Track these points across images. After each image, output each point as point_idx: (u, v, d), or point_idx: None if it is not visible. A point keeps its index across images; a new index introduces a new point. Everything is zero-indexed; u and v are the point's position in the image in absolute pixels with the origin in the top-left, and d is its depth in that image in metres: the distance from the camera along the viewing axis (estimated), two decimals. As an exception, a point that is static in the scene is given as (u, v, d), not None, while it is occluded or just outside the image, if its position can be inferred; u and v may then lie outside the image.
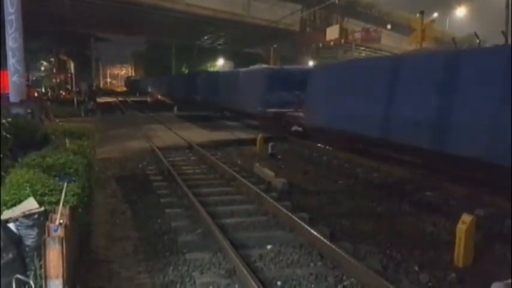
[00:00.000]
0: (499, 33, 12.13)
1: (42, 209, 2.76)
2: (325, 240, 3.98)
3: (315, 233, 4.15)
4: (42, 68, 35.63)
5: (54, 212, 2.65)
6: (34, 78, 31.80)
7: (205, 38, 37.74)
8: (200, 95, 23.10)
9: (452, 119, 6.21)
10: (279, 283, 3.37)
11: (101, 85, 64.14)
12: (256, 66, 18.95)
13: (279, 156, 9.27)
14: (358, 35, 29.95)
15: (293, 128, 12.39)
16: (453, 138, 6.16)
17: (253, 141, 10.09)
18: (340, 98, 9.41)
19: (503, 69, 5.46)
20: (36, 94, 24.31)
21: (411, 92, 7.25)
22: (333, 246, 3.82)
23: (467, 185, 6.23)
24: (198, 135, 12.12)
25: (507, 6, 12.66)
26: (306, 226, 4.36)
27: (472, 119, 5.89)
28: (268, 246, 4.07)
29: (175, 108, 22.08)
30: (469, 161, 6.05)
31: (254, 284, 3.12)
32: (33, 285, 2.42)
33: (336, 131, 9.51)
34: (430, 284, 3.42)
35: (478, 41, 7.34)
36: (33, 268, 2.52)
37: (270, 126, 12.77)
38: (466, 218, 3.75)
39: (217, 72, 27.60)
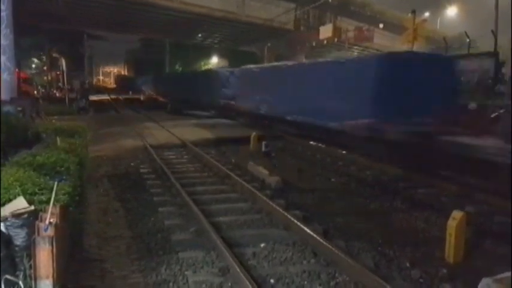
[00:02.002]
0: (491, 32, 12.29)
1: (32, 208, 2.72)
2: (318, 238, 4.00)
3: (309, 231, 4.16)
4: (33, 66, 35.08)
5: (45, 211, 2.61)
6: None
7: (199, 36, 37.54)
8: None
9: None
10: (272, 281, 3.38)
11: (94, 82, 63.73)
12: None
13: (273, 154, 9.29)
14: (351, 34, 30.11)
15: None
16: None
17: (247, 140, 10.09)
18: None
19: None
20: (36, 92, 23.92)
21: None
22: (326, 244, 3.84)
23: (459, 182, 6.31)
24: (191, 133, 12.07)
25: (496, 7, 12.84)
26: (299, 224, 4.37)
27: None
28: (262, 244, 4.07)
29: (168, 107, 22.02)
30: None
31: (247, 282, 3.12)
32: (22, 286, 2.39)
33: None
34: (421, 280, 3.46)
35: (468, 40, 7.45)
36: (22, 268, 2.48)
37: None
38: (457, 214, 3.80)
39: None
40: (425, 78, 7.77)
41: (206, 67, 39.90)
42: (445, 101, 7.69)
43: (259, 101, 13.92)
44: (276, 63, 16.64)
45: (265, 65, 17.74)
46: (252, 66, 17.52)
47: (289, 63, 14.94)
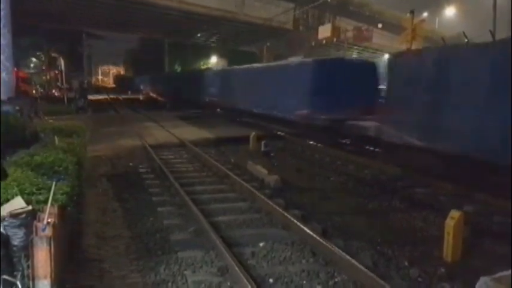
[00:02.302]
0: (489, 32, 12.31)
1: (30, 208, 2.71)
2: (317, 237, 4.00)
3: (308, 230, 4.16)
4: (32, 65, 34.99)
5: (43, 211, 2.61)
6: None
7: (199, 35, 37.51)
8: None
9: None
10: (271, 280, 3.38)
11: (92, 82, 63.69)
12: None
13: (272, 154, 9.29)
14: (350, 34, 30.12)
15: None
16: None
17: (246, 139, 10.08)
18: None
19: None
20: (34, 91, 23.91)
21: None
22: (325, 243, 3.84)
23: (457, 182, 6.32)
24: (191, 133, 12.06)
25: (494, 7, 12.86)
26: (298, 223, 4.37)
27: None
28: (261, 244, 4.07)
29: (167, 106, 22.04)
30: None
31: (246, 282, 3.12)
32: (20, 286, 2.38)
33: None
34: (419, 279, 3.46)
35: (466, 40, 7.51)
36: (20, 268, 2.47)
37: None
38: (455, 213, 3.81)
39: None
40: (349, 79, 10.42)
41: (205, 67, 39.95)
42: (366, 96, 9.86)
43: (233, 98, 16.99)
44: (246, 66, 18.90)
45: (238, 66, 19.20)
46: (228, 68, 20.02)
47: (256, 65, 17.85)
